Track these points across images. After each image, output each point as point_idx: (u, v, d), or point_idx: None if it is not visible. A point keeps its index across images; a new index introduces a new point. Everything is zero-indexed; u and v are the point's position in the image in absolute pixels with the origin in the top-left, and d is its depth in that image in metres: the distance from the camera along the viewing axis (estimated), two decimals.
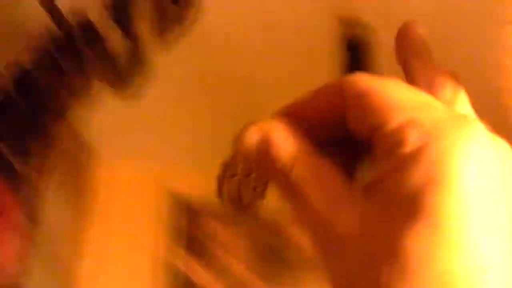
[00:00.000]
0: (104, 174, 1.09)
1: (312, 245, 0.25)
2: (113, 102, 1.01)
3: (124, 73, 0.50)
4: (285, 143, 0.27)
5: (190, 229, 1.07)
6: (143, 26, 0.47)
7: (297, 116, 0.28)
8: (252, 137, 0.27)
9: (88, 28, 0.52)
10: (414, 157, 0.23)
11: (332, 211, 0.24)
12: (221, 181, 0.31)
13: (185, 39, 0.60)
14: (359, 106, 0.26)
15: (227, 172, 0.31)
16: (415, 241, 0.21)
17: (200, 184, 1.09)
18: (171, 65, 0.90)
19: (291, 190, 0.26)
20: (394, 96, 0.25)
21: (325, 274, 0.25)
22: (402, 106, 0.24)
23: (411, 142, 0.23)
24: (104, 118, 1.03)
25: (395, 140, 0.23)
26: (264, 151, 0.27)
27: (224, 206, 0.31)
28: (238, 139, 0.28)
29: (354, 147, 0.28)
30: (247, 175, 0.31)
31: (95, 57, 0.49)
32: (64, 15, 0.49)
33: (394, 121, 0.24)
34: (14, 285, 0.74)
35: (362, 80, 0.26)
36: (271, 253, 1.06)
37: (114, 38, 0.52)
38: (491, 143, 0.23)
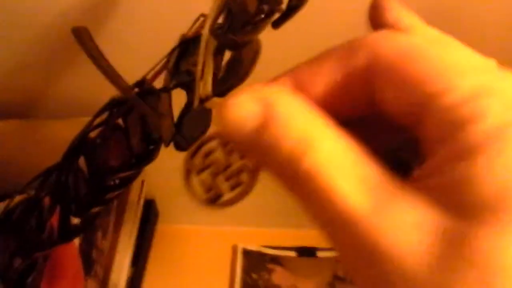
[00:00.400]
0: (173, 231, 1.08)
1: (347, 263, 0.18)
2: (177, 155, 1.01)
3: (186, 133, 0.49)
4: (295, 117, 0.19)
5: (261, 283, 1.05)
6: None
7: (304, 85, 0.20)
8: (246, 108, 0.19)
9: (146, 88, 0.51)
10: (498, 137, 0.16)
11: (377, 215, 0.17)
12: (190, 170, 0.23)
13: None
14: (398, 73, 0.18)
15: (201, 159, 0.23)
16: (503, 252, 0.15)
17: (272, 239, 1.08)
18: None
19: (305, 186, 0.18)
20: (449, 56, 0.18)
21: None
22: (466, 69, 0.18)
23: (492, 115, 0.16)
24: (172, 175, 1.03)
25: (464, 113, 0.17)
26: (263, 129, 0.19)
27: (196, 200, 0.23)
28: (223, 112, 0.19)
29: (379, 129, 0.21)
30: (227, 166, 0.23)
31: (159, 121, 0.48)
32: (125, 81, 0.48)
33: (459, 88, 0.17)
34: None
35: (398, 38, 0.19)
36: None
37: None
38: None
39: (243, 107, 0.19)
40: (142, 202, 1.00)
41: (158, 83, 0.50)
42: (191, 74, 0.47)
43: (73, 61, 0.79)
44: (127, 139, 0.53)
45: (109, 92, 0.53)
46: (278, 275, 1.05)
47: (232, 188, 0.23)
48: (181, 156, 0.77)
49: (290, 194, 0.19)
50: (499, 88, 0.17)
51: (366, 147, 0.18)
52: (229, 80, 0.46)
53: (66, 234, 0.53)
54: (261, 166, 0.21)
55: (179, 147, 0.49)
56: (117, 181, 0.52)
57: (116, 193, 0.52)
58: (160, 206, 1.07)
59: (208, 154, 0.23)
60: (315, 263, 1.06)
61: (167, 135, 0.46)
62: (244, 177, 0.22)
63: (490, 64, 0.18)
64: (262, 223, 1.09)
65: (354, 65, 0.19)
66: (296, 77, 0.20)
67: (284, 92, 0.19)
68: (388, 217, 0.17)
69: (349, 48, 0.20)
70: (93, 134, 0.55)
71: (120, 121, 0.54)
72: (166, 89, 0.46)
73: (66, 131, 0.65)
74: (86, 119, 0.55)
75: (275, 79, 0.21)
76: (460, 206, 0.16)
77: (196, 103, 0.46)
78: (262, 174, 0.22)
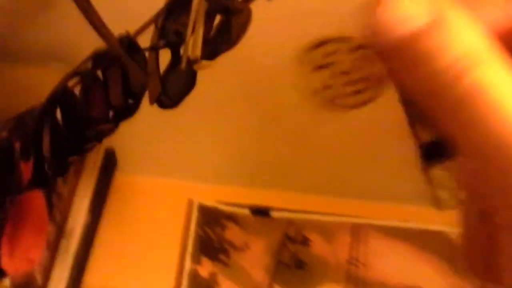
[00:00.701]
0: (130, 182, 1.09)
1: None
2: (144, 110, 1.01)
3: (168, 87, 0.50)
4: (466, 31, 0.17)
5: (214, 237, 1.07)
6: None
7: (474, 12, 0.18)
8: (411, 9, 0.17)
9: (131, 43, 0.51)
10: None
11: None
12: (306, 63, 0.22)
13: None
14: None
15: (322, 56, 0.22)
16: None
17: (228, 196, 1.11)
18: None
19: (460, 101, 0.17)
20: None
21: None
22: None
23: None
24: (134, 126, 1.04)
25: None
26: (426, 34, 0.17)
27: (312, 101, 0.22)
28: (382, 8, 0.18)
29: None
30: (350, 71, 0.22)
31: (140, 73, 0.49)
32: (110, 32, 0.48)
33: None
34: None
35: None
36: (293, 262, 1.05)
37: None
38: None
39: (408, 7, 0.17)
40: (102, 150, 1.01)
41: (145, 43, 0.50)
42: (180, 34, 0.48)
43: (47, 5, 0.78)
44: (106, 92, 0.53)
45: (81, 39, 0.52)
46: (231, 231, 1.08)
47: (353, 93, 0.22)
48: (144, 109, 0.77)
49: (428, 108, 0.18)
50: None
51: None
52: (218, 44, 0.47)
53: (39, 180, 0.54)
54: (396, 78, 0.19)
55: (163, 106, 0.50)
56: (94, 133, 0.53)
57: (92, 144, 0.53)
58: (119, 156, 1.08)
59: (330, 54, 0.22)
60: (268, 223, 1.09)
61: (154, 94, 0.47)
62: (368, 86, 0.21)
63: None
64: (219, 179, 1.11)
65: None
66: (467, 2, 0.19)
67: (456, 7, 0.18)
68: None
69: None
70: (71, 85, 0.55)
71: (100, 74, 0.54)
72: (155, 48, 0.47)
73: (37, 77, 0.64)
74: (58, 65, 0.55)
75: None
76: None
77: (184, 64, 0.47)
78: (382, 90, 0.22)
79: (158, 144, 1.09)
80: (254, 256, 1.07)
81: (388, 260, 1.05)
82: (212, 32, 0.47)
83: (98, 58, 0.51)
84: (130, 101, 0.53)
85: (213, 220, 1.08)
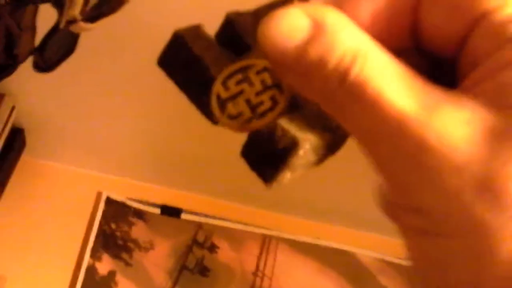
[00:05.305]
0: (38, 165, 1.04)
1: (385, 166, 0.18)
2: (61, 95, 0.97)
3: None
4: (344, 31, 0.19)
5: (119, 234, 1.03)
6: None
7: (347, 11, 0.20)
8: (295, 21, 0.19)
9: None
10: None
11: (426, 114, 0.17)
12: (220, 96, 0.23)
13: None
14: None
15: (234, 86, 0.23)
16: None
17: (138, 193, 1.06)
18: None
19: (350, 96, 0.18)
20: None
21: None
22: None
23: None
24: (48, 108, 0.99)
25: None
26: (312, 41, 0.18)
27: (221, 123, 0.24)
28: (269, 25, 0.19)
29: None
30: (258, 93, 0.23)
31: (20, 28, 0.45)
32: None
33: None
34: None
35: None
36: (197, 268, 1.02)
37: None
38: None
39: (291, 20, 0.19)
40: (8, 128, 0.95)
41: None
42: None
43: None
44: None
45: None
46: (138, 229, 1.04)
47: (264, 112, 0.23)
48: (58, 90, 0.74)
49: (331, 113, 0.19)
50: None
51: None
52: (101, 7, 0.44)
53: None
54: (297, 89, 0.20)
55: (38, 68, 0.46)
56: None
57: None
58: (29, 137, 1.02)
59: (241, 81, 0.24)
60: (177, 224, 1.05)
61: (25, 50, 0.43)
62: (272, 102, 0.23)
63: None
64: (132, 175, 1.07)
65: None
66: (338, 2, 0.20)
67: (332, 9, 0.19)
68: (437, 115, 0.17)
69: None
70: None
71: None
72: (33, 1, 0.43)
73: None
74: None
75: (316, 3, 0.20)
76: (509, 106, 0.17)
77: (62, 24, 0.44)
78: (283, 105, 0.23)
79: (73, 131, 1.04)
80: (158, 258, 1.02)
81: (294, 275, 1.02)
82: None
83: None
84: (10, 61, 0.49)
85: (120, 216, 1.04)
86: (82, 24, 0.42)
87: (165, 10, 0.78)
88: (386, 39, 0.19)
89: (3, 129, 0.93)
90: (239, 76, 0.24)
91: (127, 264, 1.01)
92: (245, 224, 1.06)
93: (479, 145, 0.17)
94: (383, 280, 1.04)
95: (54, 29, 0.46)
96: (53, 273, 0.98)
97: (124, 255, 1.02)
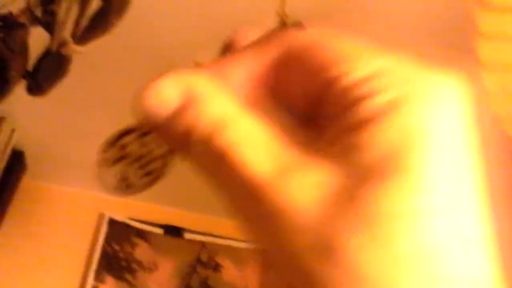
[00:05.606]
0: (39, 188, 1.04)
1: (247, 216, 0.19)
2: (59, 118, 0.96)
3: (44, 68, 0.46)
4: (213, 99, 0.20)
5: (122, 255, 1.02)
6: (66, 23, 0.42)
7: (224, 75, 0.21)
8: (166, 92, 0.20)
9: (7, 20, 0.47)
10: (392, 108, 0.19)
11: (279, 179, 0.19)
12: (103, 163, 0.24)
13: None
14: (306, 59, 0.20)
15: (117, 151, 0.25)
16: (387, 202, 0.18)
17: (140, 213, 1.06)
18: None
19: (217, 162, 0.19)
20: (352, 45, 0.21)
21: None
22: (364, 55, 0.20)
23: (389, 91, 0.19)
24: (47, 131, 0.99)
25: (362, 91, 0.19)
26: (183, 110, 0.20)
27: (107, 189, 0.25)
28: (143, 96, 0.20)
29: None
30: (141, 156, 0.25)
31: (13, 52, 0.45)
32: None
33: (358, 71, 0.20)
34: None
35: (309, 31, 0.21)
36: (198, 280, 1.01)
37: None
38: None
39: (163, 91, 0.20)
40: (9, 151, 0.95)
41: None
42: (54, 14, 0.44)
43: None
44: None
45: None
46: (141, 250, 1.03)
47: (144, 176, 0.24)
48: (58, 112, 0.73)
49: (205, 177, 0.20)
50: (394, 68, 0.19)
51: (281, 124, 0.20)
52: (93, 30, 0.43)
53: None
54: (176, 153, 0.22)
55: (31, 91, 0.46)
56: None
57: None
58: (30, 160, 1.02)
59: (124, 146, 0.24)
60: (180, 244, 1.04)
61: (16, 73, 0.43)
62: (156, 165, 0.24)
63: (386, 49, 0.20)
64: (134, 195, 1.06)
65: (268, 57, 0.21)
66: (217, 67, 0.21)
67: (203, 77, 0.20)
68: (290, 179, 0.18)
69: (265, 41, 0.21)
70: None
71: None
72: (24, 25, 0.43)
73: None
74: None
75: (193, 70, 0.21)
76: (355, 167, 0.18)
77: (54, 46, 0.44)
78: (173, 161, 0.24)
79: (73, 153, 1.03)
80: (162, 278, 1.02)
81: None
82: (89, 17, 0.44)
83: None
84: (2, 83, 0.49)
85: (123, 237, 1.03)
86: (73, 46, 0.41)
87: (158, 31, 0.78)
88: (265, 99, 0.21)
89: (3, 152, 0.93)
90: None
91: (131, 285, 1.00)
92: (248, 241, 1.05)
93: (325, 207, 0.18)
94: None
95: (46, 52, 0.46)
96: None
97: (128, 277, 1.01)
